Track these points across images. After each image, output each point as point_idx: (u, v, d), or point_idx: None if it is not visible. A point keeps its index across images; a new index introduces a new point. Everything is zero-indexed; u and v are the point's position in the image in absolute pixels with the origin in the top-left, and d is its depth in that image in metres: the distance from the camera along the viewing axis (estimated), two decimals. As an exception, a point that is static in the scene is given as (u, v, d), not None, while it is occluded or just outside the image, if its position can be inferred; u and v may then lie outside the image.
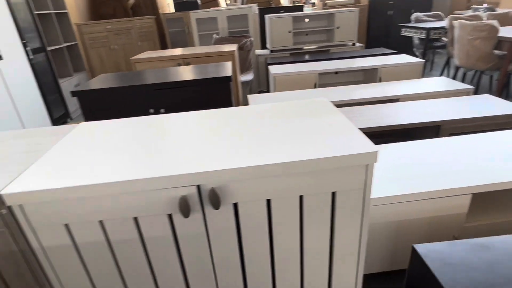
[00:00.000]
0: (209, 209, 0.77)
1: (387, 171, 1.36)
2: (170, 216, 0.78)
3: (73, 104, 4.53)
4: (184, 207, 0.74)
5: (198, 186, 0.74)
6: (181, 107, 1.75)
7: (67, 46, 4.61)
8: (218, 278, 0.88)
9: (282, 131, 0.89)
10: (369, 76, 3.25)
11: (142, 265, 0.83)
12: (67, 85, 4.42)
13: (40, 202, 0.72)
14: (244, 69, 4.04)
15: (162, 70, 2.09)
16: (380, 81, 3.11)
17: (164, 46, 5.59)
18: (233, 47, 2.75)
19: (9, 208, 0.72)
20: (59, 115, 4.20)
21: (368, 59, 3.31)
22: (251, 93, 4.30)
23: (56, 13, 4.45)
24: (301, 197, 0.80)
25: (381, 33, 6.61)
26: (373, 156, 0.74)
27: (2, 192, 0.69)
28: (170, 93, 1.72)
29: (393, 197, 1.20)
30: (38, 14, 4.10)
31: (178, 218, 0.77)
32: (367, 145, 0.76)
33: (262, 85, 4.70)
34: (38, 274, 0.81)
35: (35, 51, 3.81)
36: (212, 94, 1.73)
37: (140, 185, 0.71)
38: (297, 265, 0.89)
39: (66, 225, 0.76)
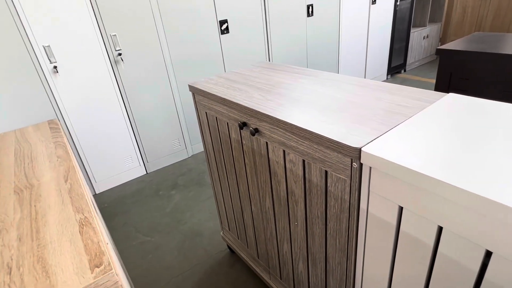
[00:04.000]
0: None
1: None
2: (549, 284, 0.50)
3: (412, 56, 4.44)
4: None
5: None
6: None
7: (434, -6, 4.34)
8: None
9: None
10: None
11: (458, 298, 0.65)
12: (416, 35, 4.30)
13: (389, 174, 0.67)
14: None
15: None
16: None
17: None
18: None
19: (360, 164, 0.73)
20: (396, 65, 4.28)
21: None
22: None
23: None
24: None
25: None
26: None
27: (363, 149, 0.70)
28: None
29: None
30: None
31: None
32: None
33: None
34: (351, 225, 0.84)
35: (404, -3, 3.85)
36: None
37: (530, 224, 0.48)
38: None
39: (401, 208, 0.68)
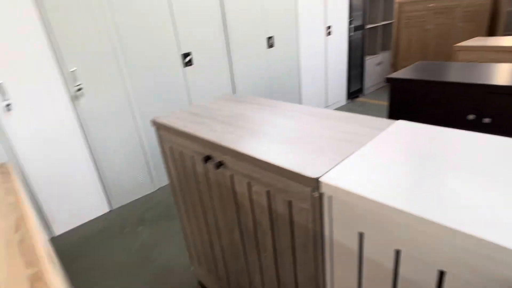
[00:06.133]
0: None
1: None
2: (495, 299, 0.54)
3: (368, 81, 4.74)
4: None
5: None
6: (518, 123, 1.28)
7: (383, 25, 4.74)
8: None
9: None
10: None
11: (420, 319, 0.67)
12: (370, 62, 4.62)
13: (347, 203, 0.70)
14: None
15: (499, 65, 1.62)
16: None
17: (491, 31, 4.51)
18: None
19: (320, 194, 0.75)
20: (354, 90, 4.54)
21: None
22: None
23: (384, -8, 4.58)
24: None
25: None
26: None
27: (321, 179, 0.73)
28: (507, 101, 1.29)
29: None
30: (369, -7, 4.37)
31: (508, 309, 0.52)
32: None
33: None
34: (317, 254, 0.85)
35: (356, 28, 4.17)
36: None
37: (470, 242, 0.52)
38: None
39: (361, 234, 0.71)
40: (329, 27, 3.78)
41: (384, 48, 4.97)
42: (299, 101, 3.77)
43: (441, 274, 0.60)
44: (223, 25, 2.84)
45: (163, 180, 2.83)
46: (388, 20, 4.73)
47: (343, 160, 0.79)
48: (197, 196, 1.29)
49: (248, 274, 1.22)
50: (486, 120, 1.34)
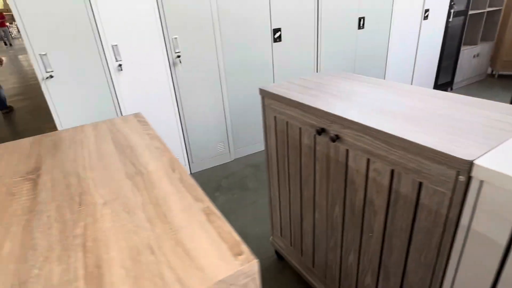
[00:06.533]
0: None
1: None
2: None
3: (460, 75, 4.28)
4: None
5: None
6: None
7: (488, 12, 4.18)
8: None
9: None
10: None
11: None
12: (466, 53, 4.15)
13: (505, 190, 0.64)
14: None
15: None
16: None
17: None
18: None
19: (468, 178, 0.70)
20: (442, 82, 4.15)
21: None
22: None
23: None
24: None
25: None
26: None
27: (476, 162, 0.67)
28: None
29: None
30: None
31: None
32: None
33: None
34: (445, 241, 0.81)
35: (456, 13, 3.75)
36: None
37: None
38: None
39: (516, 226, 0.65)
40: (426, 11, 3.45)
41: (485, 38, 4.41)
42: (381, 89, 3.57)
43: None
44: (316, 2, 2.76)
45: (239, 152, 2.93)
46: (496, 6, 4.16)
47: (498, 145, 0.73)
48: (297, 168, 1.31)
49: (341, 252, 1.22)
50: None
